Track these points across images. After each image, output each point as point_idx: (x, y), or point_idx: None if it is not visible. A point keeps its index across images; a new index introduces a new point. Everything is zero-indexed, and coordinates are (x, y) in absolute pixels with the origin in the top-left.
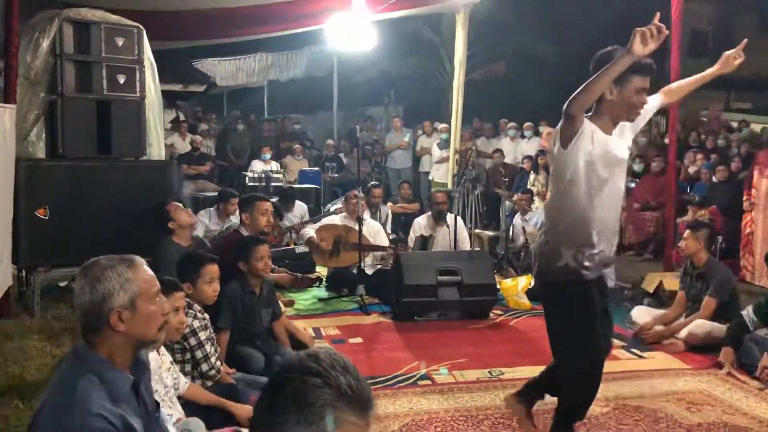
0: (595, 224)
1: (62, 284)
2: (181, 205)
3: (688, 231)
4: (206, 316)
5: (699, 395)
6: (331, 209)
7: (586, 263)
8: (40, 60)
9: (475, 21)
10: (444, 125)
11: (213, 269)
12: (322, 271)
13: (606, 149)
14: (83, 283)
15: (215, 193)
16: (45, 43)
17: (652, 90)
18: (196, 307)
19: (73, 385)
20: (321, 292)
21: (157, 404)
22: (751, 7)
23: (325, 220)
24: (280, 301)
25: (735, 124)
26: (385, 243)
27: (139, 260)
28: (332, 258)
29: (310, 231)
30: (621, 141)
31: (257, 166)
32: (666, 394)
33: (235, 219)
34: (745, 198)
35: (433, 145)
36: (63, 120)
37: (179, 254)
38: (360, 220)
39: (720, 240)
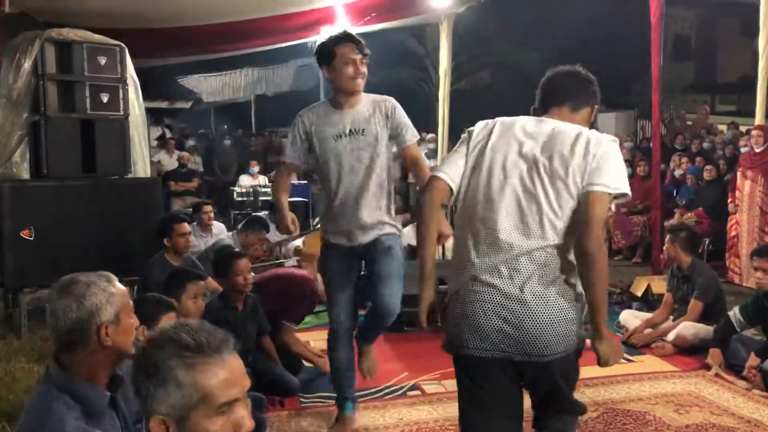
0: None
1: None
2: (189, 230)
3: (667, 236)
4: None
5: (687, 397)
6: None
7: None
8: (22, 80)
9: (459, 31)
10: (431, 135)
11: (199, 286)
12: None
13: None
14: (68, 301)
15: None
16: (27, 64)
17: (639, 95)
18: None
19: (47, 408)
20: None
21: (139, 415)
22: (733, 12)
23: (312, 234)
24: None
25: (723, 128)
26: None
27: (113, 275)
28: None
29: (296, 242)
30: None
31: (245, 181)
32: (655, 397)
33: (218, 233)
34: (729, 200)
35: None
36: (47, 140)
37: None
38: None
39: (707, 242)
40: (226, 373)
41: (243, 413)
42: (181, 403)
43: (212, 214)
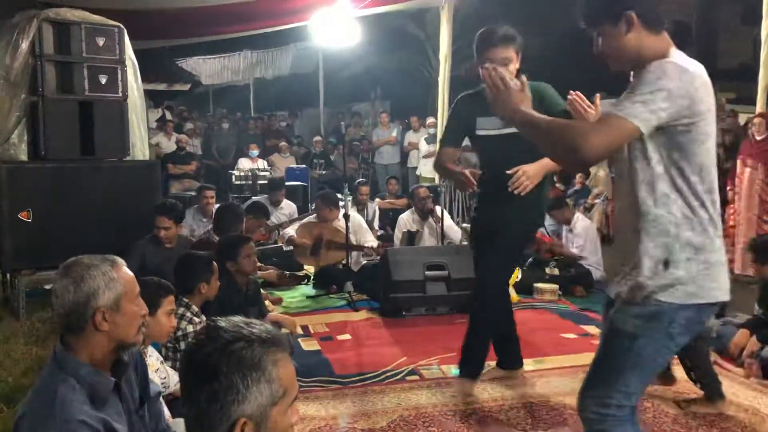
0: None
1: (47, 287)
2: (165, 225)
3: None
4: (203, 319)
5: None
6: None
7: None
8: (19, 61)
9: (460, 16)
10: (431, 120)
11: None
12: (309, 268)
13: None
14: (66, 282)
15: None
16: (24, 44)
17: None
18: (194, 309)
19: (53, 390)
20: (309, 289)
21: (142, 401)
22: None
23: (304, 220)
24: (267, 300)
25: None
26: (369, 237)
27: (120, 260)
28: (313, 257)
29: (290, 230)
30: None
31: (244, 165)
32: (653, 385)
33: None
34: (728, 188)
35: (420, 140)
36: (45, 121)
37: (164, 257)
38: (347, 217)
39: None
40: (292, 367)
41: (297, 406)
42: (269, 400)
43: (213, 200)
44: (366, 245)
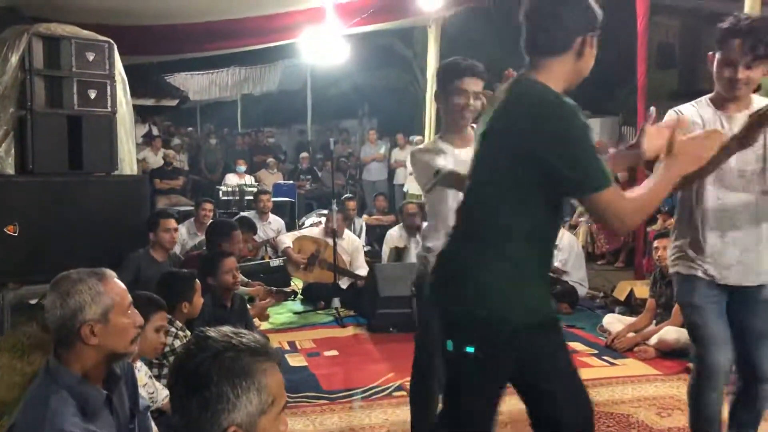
0: None
1: (33, 301)
2: (174, 226)
3: (662, 240)
4: (188, 334)
5: (669, 400)
6: (306, 223)
7: None
8: (8, 75)
9: (447, 35)
10: (418, 137)
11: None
12: (297, 284)
13: None
14: (54, 297)
15: (189, 208)
16: (14, 58)
17: (623, 101)
18: (178, 324)
19: (45, 402)
20: (296, 305)
21: (132, 414)
22: (716, 21)
23: (305, 231)
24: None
25: None
26: (362, 263)
27: (110, 273)
28: (305, 271)
29: (287, 240)
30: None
31: (231, 180)
32: (637, 400)
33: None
34: None
35: (407, 158)
36: (33, 135)
37: (157, 272)
38: (334, 233)
39: None
40: (281, 376)
41: (285, 416)
42: (258, 408)
43: (211, 213)
44: (357, 273)
